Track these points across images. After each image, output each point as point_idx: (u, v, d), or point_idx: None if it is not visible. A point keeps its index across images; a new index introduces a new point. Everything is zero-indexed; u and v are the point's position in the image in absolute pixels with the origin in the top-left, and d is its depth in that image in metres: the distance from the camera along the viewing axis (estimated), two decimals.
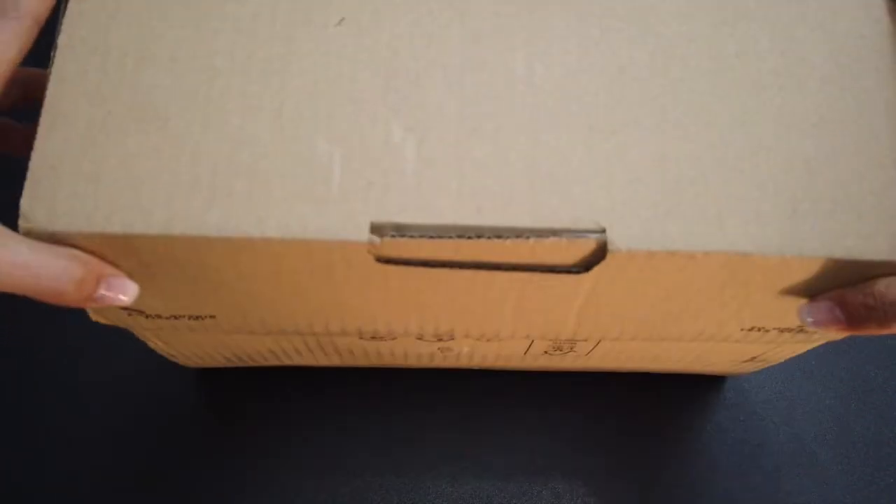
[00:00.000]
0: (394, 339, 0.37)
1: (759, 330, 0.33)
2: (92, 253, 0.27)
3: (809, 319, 0.29)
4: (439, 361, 0.42)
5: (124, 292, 0.28)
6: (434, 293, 0.30)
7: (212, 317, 0.32)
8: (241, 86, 0.28)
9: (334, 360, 0.43)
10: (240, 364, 0.44)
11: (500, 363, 0.43)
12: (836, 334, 0.30)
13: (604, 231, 0.26)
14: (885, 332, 0.28)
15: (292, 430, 0.47)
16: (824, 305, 0.29)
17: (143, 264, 0.27)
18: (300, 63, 0.28)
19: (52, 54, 0.28)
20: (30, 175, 0.26)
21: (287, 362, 0.43)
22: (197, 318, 0.32)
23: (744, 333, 0.33)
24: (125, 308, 0.31)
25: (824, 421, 0.47)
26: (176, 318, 0.32)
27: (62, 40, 0.28)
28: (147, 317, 0.32)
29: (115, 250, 0.27)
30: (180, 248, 0.26)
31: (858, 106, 0.28)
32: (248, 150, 0.27)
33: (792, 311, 0.31)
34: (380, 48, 0.28)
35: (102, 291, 0.27)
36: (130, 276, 0.28)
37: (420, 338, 0.36)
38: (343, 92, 0.28)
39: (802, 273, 0.28)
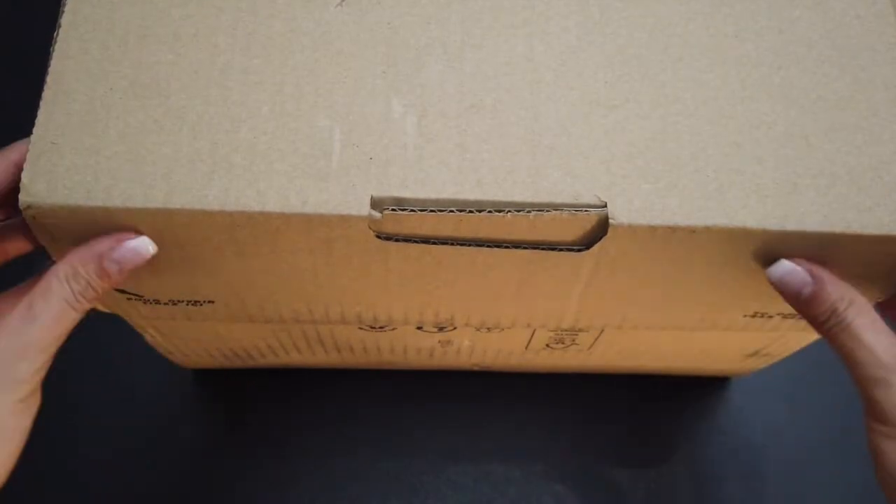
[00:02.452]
0: (393, 329, 0.36)
1: (761, 316, 0.33)
2: (93, 231, 0.27)
3: (776, 273, 0.28)
4: (439, 358, 0.42)
5: (138, 250, 0.27)
6: (434, 276, 0.30)
7: (210, 302, 0.32)
8: (242, 63, 0.28)
9: (333, 358, 0.42)
10: (237, 363, 0.44)
11: (501, 361, 0.43)
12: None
13: (605, 205, 0.26)
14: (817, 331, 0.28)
15: (290, 432, 0.46)
16: (799, 275, 0.28)
17: None
18: (301, 41, 0.28)
19: (55, 33, 0.28)
20: (31, 150, 0.26)
21: (284, 360, 0.43)
22: (195, 303, 0.32)
23: (746, 320, 0.33)
24: (124, 292, 0.31)
25: (827, 425, 0.47)
26: (174, 303, 0.32)
27: (66, 19, 0.28)
28: (145, 302, 0.32)
29: (116, 226, 0.27)
30: (180, 223, 0.26)
31: (856, 84, 0.28)
32: (248, 125, 0.27)
33: None
34: (380, 27, 0.29)
35: (114, 266, 0.27)
36: None
37: (420, 328, 0.36)
38: (343, 70, 0.28)
39: (803, 248, 0.27)
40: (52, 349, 0.27)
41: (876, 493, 0.40)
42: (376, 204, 0.26)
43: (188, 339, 0.38)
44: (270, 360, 0.43)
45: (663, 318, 0.34)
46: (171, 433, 0.46)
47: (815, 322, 0.28)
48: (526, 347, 0.39)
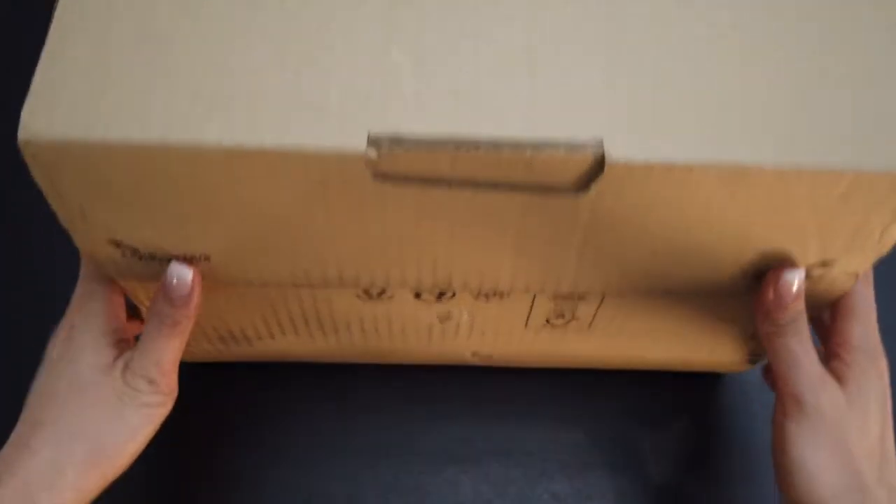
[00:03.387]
0: (391, 297, 0.36)
1: (762, 276, 0.32)
2: (92, 175, 0.27)
3: (790, 278, 0.32)
4: (438, 341, 0.41)
5: (176, 270, 0.32)
6: (431, 229, 0.30)
7: (206, 258, 0.32)
8: (245, 14, 0.28)
9: (331, 343, 0.42)
10: (231, 351, 0.43)
11: (501, 345, 0.42)
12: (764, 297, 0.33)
13: (601, 143, 0.26)
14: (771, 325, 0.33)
15: (289, 430, 0.46)
16: (794, 288, 0.32)
17: (140, 183, 0.27)
18: None
19: None
20: (31, 90, 0.27)
21: (280, 345, 0.42)
22: (191, 258, 0.32)
23: (747, 283, 0.33)
24: (117, 244, 0.31)
25: None
26: (169, 259, 0.32)
27: None
28: (141, 258, 0.32)
29: (114, 166, 0.27)
30: (177, 161, 0.26)
31: (856, 29, 0.29)
32: (249, 69, 0.27)
33: (794, 244, 0.30)
34: None
35: (171, 288, 0.32)
36: (128, 201, 0.28)
37: (418, 295, 0.36)
38: (344, 17, 0.28)
39: (800, 190, 0.27)
40: (164, 366, 0.33)
41: None
42: (373, 141, 0.26)
43: None
44: (265, 345, 0.42)
45: (662, 282, 0.33)
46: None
47: (774, 324, 0.33)
48: (525, 325, 0.39)
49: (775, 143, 0.27)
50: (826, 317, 0.36)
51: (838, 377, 0.33)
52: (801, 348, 0.33)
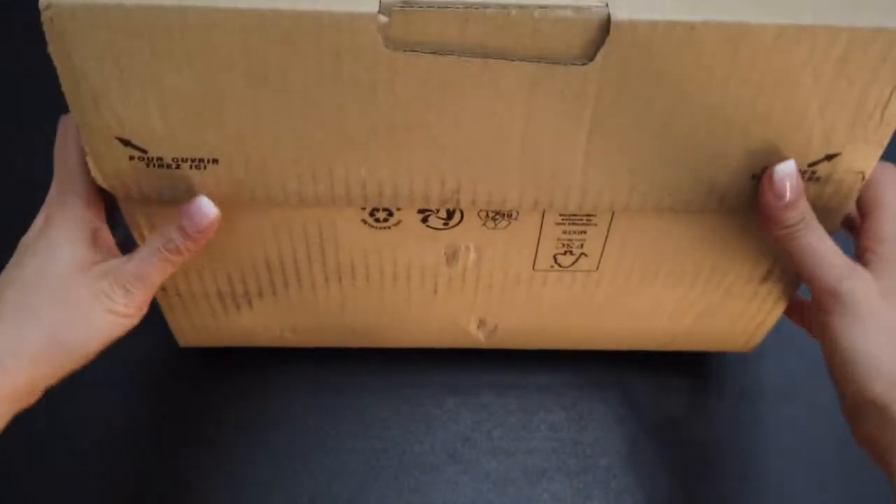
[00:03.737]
0: (398, 224, 0.36)
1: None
2: (106, 41, 0.27)
3: (782, 171, 0.32)
4: (443, 296, 0.40)
5: (200, 206, 0.32)
6: (440, 110, 0.30)
7: (214, 161, 0.32)
8: None
9: (332, 288, 0.40)
10: (227, 324, 0.42)
11: (507, 304, 0.41)
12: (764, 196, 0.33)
13: (606, 5, 0.27)
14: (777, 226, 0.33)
15: (287, 430, 0.46)
16: (796, 179, 0.32)
17: (155, 57, 0.28)
18: None
19: None
20: None
21: (281, 304, 0.41)
22: (199, 163, 0.32)
23: (753, 183, 0.33)
24: (127, 142, 0.31)
25: (826, 422, 0.46)
26: (177, 164, 0.32)
27: None
28: (148, 164, 0.32)
29: (131, 32, 0.27)
30: (193, 28, 0.27)
31: None
32: None
33: (797, 130, 0.31)
34: None
35: (187, 222, 0.32)
36: (142, 82, 0.29)
37: (426, 219, 0.35)
38: None
39: (800, 53, 0.28)
40: (147, 283, 0.33)
41: (874, 492, 0.40)
42: (385, 6, 0.27)
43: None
44: (265, 309, 0.41)
45: (671, 192, 0.33)
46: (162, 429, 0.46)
47: (783, 225, 0.33)
48: (533, 266, 0.38)
49: (775, 7, 0.28)
50: (857, 217, 0.36)
51: (871, 269, 0.33)
52: (820, 244, 0.33)
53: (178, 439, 0.46)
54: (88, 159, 0.32)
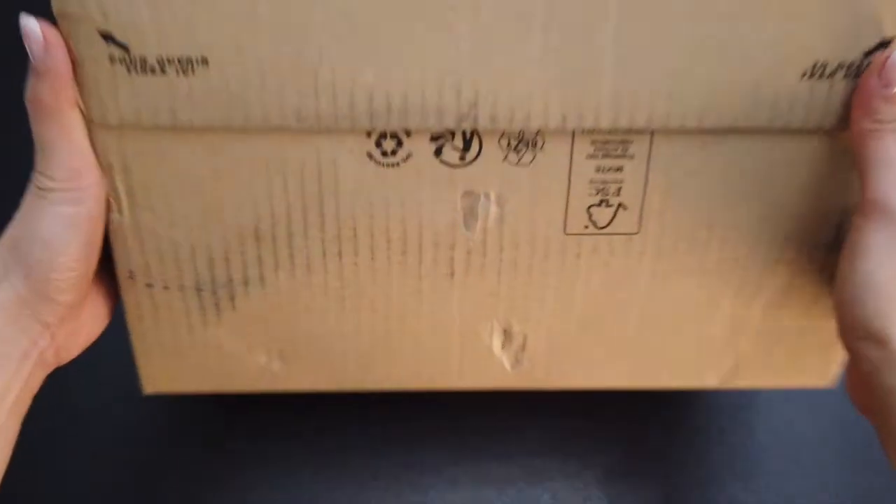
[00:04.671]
0: (407, 159, 0.31)
1: (820, 74, 0.29)
2: None
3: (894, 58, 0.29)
4: (461, 263, 0.34)
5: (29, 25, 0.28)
6: None
7: (204, 63, 0.28)
8: None
9: (330, 269, 0.34)
10: (205, 336, 0.36)
11: (538, 268, 0.34)
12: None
13: None
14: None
15: (288, 434, 0.45)
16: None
17: None
18: None
19: None
20: None
21: (271, 297, 0.35)
22: (187, 64, 0.28)
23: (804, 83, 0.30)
24: (110, 37, 0.28)
25: (827, 423, 0.46)
26: (163, 67, 0.28)
27: None
28: (129, 68, 0.28)
29: None
30: None
31: None
32: None
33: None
34: None
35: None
36: None
37: (439, 152, 0.31)
38: None
39: None
40: (57, 158, 0.29)
41: (875, 492, 0.43)
42: None
43: (160, 215, 0.32)
44: (249, 303, 0.35)
45: (713, 104, 0.30)
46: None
47: (876, 117, 0.29)
48: (564, 228, 0.33)
49: None
50: None
51: None
52: (894, 151, 0.29)
53: (187, 453, 0.45)
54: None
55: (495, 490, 0.44)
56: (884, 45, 0.29)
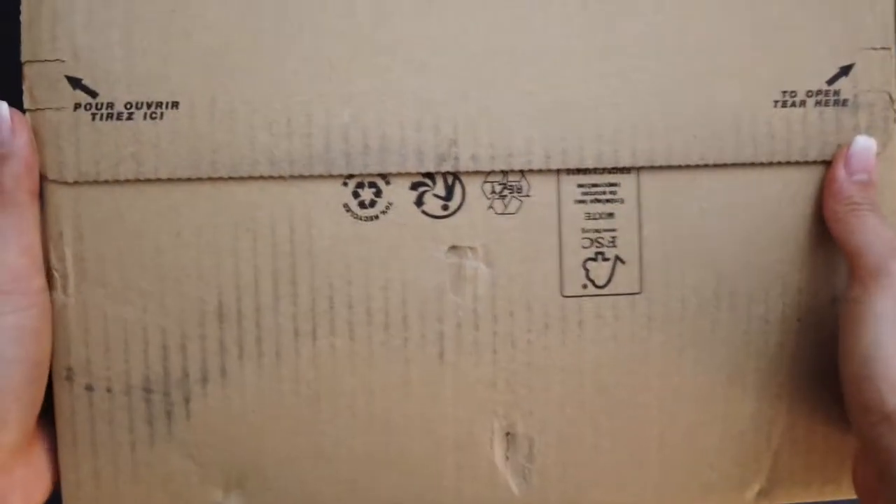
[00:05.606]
0: (387, 211, 0.29)
1: (791, 100, 0.30)
2: None
3: (860, 143, 0.30)
4: (452, 340, 0.30)
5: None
6: (425, 17, 0.28)
7: (174, 105, 0.27)
8: None
9: (303, 354, 0.29)
10: (163, 397, 0.29)
11: (537, 343, 0.30)
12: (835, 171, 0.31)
13: None
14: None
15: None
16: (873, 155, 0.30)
17: None
18: None
19: None
20: None
21: (233, 364, 0.29)
22: (156, 108, 0.27)
23: (779, 111, 0.30)
24: (75, 81, 0.27)
25: None
26: (130, 113, 0.27)
27: None
28: (95, 114, 0.27)
29: None
30: None
31: None
32: None
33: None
34: None
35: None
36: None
37: (421, 188, 0.29)
38: None
39: None
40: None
41: None
42: None
43: (113, 290, 0.28)
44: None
45: (697, 134, 0.29)
46: None
47: (848, 202, 0.30)
48: (561, 290, 0.30)
49: None
50: None
51: None
52: (880, 222, 0.29)
53: None
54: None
55: None
56: (845, 72, 0.30)
